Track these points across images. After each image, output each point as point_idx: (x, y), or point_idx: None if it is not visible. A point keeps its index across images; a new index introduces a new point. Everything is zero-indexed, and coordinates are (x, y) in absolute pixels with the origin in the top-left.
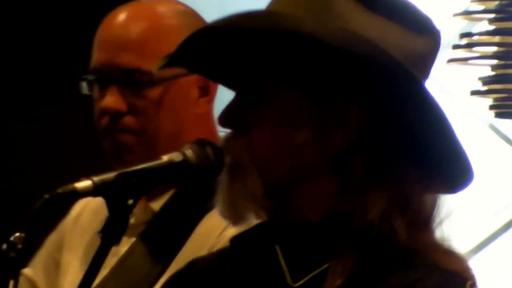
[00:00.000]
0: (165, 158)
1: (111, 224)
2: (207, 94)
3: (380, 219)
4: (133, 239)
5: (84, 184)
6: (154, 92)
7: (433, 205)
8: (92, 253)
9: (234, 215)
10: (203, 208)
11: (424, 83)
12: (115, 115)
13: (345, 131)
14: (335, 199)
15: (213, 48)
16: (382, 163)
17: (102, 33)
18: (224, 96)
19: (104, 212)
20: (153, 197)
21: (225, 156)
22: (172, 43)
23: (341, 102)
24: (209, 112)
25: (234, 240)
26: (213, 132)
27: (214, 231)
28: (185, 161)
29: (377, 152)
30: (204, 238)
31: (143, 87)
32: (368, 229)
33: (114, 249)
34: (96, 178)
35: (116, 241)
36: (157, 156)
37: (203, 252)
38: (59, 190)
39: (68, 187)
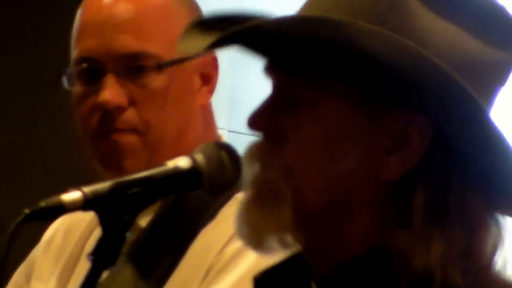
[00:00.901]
0: (170, 164)
1: (104, 244)
2: (208, 82)
3: (439, 265)
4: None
5: (72, 196)
6: (159, 80)
7: (495, 245)
8: (67, 282)
9: (257, 240)
10: (198, 221)
11: (491, 105)
12: (114, 112)
13: (402, 157)
14: (385, 235)
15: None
16: (449, 198)
17: (88, 16)
18: None
19: (78, 232)
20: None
21: (242, 166)
22: (174, 22)
23: (400, 120)
24: (210, 103)
25: (259, 280)
26: (215, 127)
27: (212, 248)
28: (195, 169)
29: (443, 186)
30: (202, 256)
31: (147, 74)
32: (423, 273)
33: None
34: (87, 189)
35: (110, 264)
36: (161, 159)
37: (201, 271)
38: (42, 204)
39: (53, 200)
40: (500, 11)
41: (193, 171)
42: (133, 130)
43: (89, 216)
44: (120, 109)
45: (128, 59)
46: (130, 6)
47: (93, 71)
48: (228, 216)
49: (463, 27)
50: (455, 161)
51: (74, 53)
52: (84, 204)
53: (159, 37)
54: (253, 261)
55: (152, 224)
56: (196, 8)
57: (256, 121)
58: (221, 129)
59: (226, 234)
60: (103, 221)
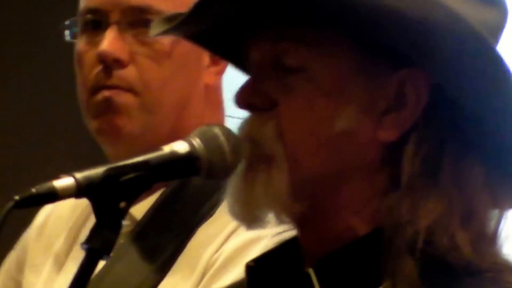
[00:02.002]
0: (166, 149)
1: (98, 233)
2: (218, 64)
3: (438, 229)
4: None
5: (64, 182)
6: (163, 44)
7: (500, 217)
8: (59, 271)
9: (249, 216)
10: (196, 214)
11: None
12: (112, 66)
13: (399, 116)
14: (382, 202)
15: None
16: (442, 160)
17: None
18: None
19: (72, 218)
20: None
21: (243, 148)
22: None
23: (397, 78)
24: (218, 87)
25: (252, 267)
26: (221, 114)
27: (211, 244)
28: (192, 154)
29: (437, 146)
30: (200, 251)
31: None
32: (425, 240)
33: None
34: (79, 175)
35: (105, 254)
36: (157, 126)
37: (201, 264)
38: (33, 191)
39: (45, 186)
40: None
41: (190, 156)
42: (130, 89)
43: (84, 201)
44: (120, 64)
45: (133, 11)
46: None
47: (97, 23)
48: (226, 212)
49: None
50: (454, 120)
51: (80, 6)
52: (77, 191)
53: None
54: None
55: (149, 216)
56: None
57: (243, 94)
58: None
59: (225, 231)
60: (97, 208)
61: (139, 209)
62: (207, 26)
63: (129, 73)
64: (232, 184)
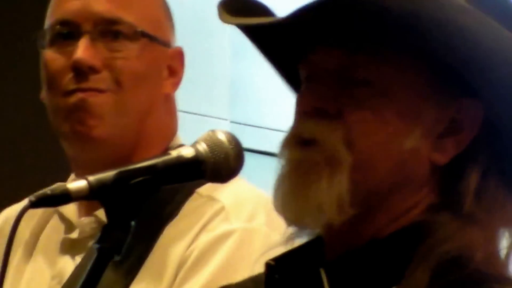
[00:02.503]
0: (173, 153)
1: (109, 233)
2: (175, 75)
3: (465, 251)
4: (78, 259)
5: (78, 185)
6: (132, 49)
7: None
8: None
9: (304, 216)
10: (161, 215)
11: None
12: (87, 72)
13: (454, 142)
14: (419, 216)
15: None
16: (486, 189)
17: None
18: None
19: (32, 223)
20: (99, 203)
21: (244, 157)
22: (151, 2)
23: (456, 105)
24: (174, 99)
25: (271, 266)
26: (176, 122)
27: (181, 241)
28: (197, 158)
29: (483, 174)
30: (171, 249)
31: (121, 41)
32: (462, 254)
33: (54, 270)
34: (91, 178)
35: (116, 253)
36: (123, 129)
37: (171, 264)
38: (48, 192)
39: (59, 188)
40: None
41: (196, 161)
42: (106, 90)
43: (39, 210)
44: (94, 71)
45: (104, 23)
46: None
47: (68, 35)
48: (193, 210)
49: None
50: (500, 153)
51: (50, 19)
52: (89, 193)
53: (137, 10)
54: (225, 255)
55: None
56: (168, 6)
57: (311, 98)
58: (223, 119)
59: (194, 228)
60: (108, 209)
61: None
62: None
63: (103, 77)
64: (288, 183)
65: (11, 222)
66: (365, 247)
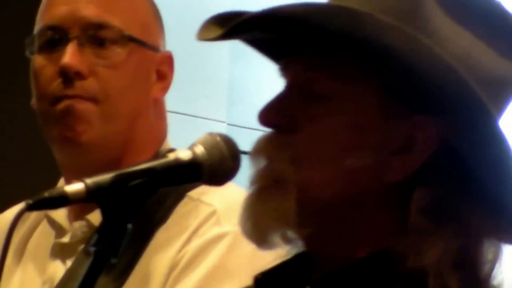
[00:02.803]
0: (171, 156)
1: (106, 236)
2: (163, 80)
3: (434, 267)
4: (69, 263)
5: (75, 187)
6: (119, 55)
7: (494, 260)
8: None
9: (259, 238)
10: (152, 218)
11: (500, 116)
12: (74, 78)
13: (406, 159)
14: (386, 237)
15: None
16: (446, 203)
17: None
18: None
19: (20, 231)
20: (89, 207)
21: (241, 159)
22: (139, 5)
23: (409, 122)
24: (163, 102)
25: (260, 279)
26: (166, 126)
27: (172, 245)
28: (195, 161)
29: (441, 189)
30: (162, 253)
31: (109, 47)
32: (418, 276)
33: (45, 275)
34: (89, 181)
35: (113, 256)
36: (112, 134)
37: (162, 268)
38: (45, 194)
39: (56, 190)
40: (509, 18)
41: (193, 163)
42: (91, 98)
43: (31, 214)
44: (80, 77)
45: (91, 28)
46: None
47: (56, 40)
48: (184, 214)
49: (477, 34)
50: (459, 169)
51: (39, 25)
52: (87, 195)
53: (124, 14)
54: (217, 258)
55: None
56: (158, 10)
57: (270, 113)
58: (220, 122)
59: (185, 232)
60: (105, 212)
61: (96, 216)
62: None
63: (90, 84)
64: (245, 201)
65: (3, 226)
66: (347, 268)
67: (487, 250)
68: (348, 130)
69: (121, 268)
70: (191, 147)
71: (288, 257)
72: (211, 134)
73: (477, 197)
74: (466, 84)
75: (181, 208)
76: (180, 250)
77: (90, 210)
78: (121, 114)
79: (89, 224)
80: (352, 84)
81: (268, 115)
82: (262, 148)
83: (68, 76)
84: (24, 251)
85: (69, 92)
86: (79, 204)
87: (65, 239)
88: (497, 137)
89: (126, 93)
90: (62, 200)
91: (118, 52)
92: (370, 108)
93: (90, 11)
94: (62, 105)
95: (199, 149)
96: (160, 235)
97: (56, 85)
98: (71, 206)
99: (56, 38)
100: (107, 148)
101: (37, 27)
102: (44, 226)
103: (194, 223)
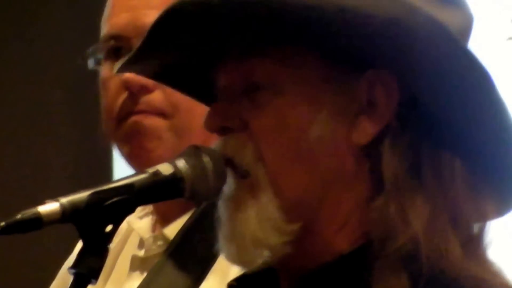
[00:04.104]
0: (150, 171)
1: (85, 257)
2: None
3: (428, 233)
4: (145, 275)
5: (49, 208)
6: None
7: (482, 219)
8: None
9: (247, 254)
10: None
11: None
12: (138, 93)
13: (371, 118)
14: (367, 211)
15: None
16: (421, 160)
17: None
18: None
19: (112, 246)
20: (166, 220)
21: (226, 175)
22: None
23: (364, 81)
24: None
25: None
26: None
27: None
28: (176, 175)
29: (414, 146)
30: (225, 273)
31: None
32: (413, 247)
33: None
34: (64, 200)
35: (93, 278)
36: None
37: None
38: (18, 216)
39: (30, 212)
40: None
41: (174, 178)
42: (159, 113)
43: (124, 223)
44: (146, 90)
45: None
46: None
47: (120, 49)
48: None
49: None
50: (427, 120)
51: (102, 33)
52: (62, 217)
53: None
54: None
55: (183, 234)
56: None
57: (214, 119)
58: None
59: None
60: (83, 233)
61: (171, 230)
62: (169, 60)
63: (156, 97)
64: (223, 222)
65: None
66: (326, 265)
67: (475, 206)
68: (297, 108)
69: (194, 278)
70: (172, 161)
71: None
72: (194, 146)
73: (453, 147)
74: (426, 17)
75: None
76: None
77: (165, 224)
78: (193, 129)
79: (164, 238)
80: (289, 63)
81: (214, 121)
82: (223, 152)
83: (132, 90)
84: (116, 260)
85: (135, 108)
86: (163, 210)
87: (141, 252)
88: (474, 63)
89: (196, 106)
90: (35, 222)
91: None
92: (314, 80)
93: (152, 18)
94: (129, 122)
95: (181, 163)
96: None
97: (121, 100)
98: (154, 215)
99: (119, 47)
100: None
101: (100, 35)
102: (134, 236)
103: None
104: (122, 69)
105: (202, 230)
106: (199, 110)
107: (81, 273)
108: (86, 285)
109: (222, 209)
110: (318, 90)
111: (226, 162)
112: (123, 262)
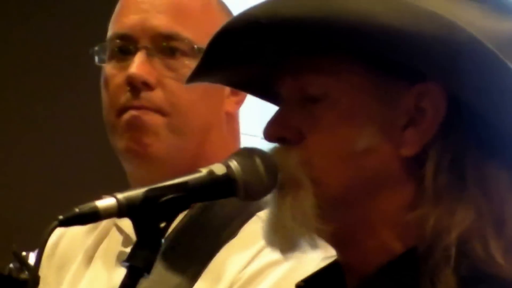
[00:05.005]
0: (204, 171)
1: (139, 251)
2: (237, 94)
3: (471, 239)
4: None
5: (106, 203)
6: (189, 67)
7: None
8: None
9: (284, 243)
10: (220, 235)
11: None
12: (141, 88)
13: (419, 130)
14: (411, 217)
15: (244, 47)
16: (466, 169)
17: None
18: None
19: (89, 240)
20: None
21: (278, 172)
22: (213, 17)
23: (412, 94)
24: (237, 116)
25: (302, 286)
26: (239, 139)
27: (235, 264)
28: (229, 176)
29: (459, 153)
30: (224, 271)
31: (178, 58)
32: (459, 251)
33: (111, 282)
34: (120, 196)
35: (146, 272)
36: (183, 148)
37: (225, 281)
38: (76, 210)
39: (88, 206)
40: None
41: (227, 178)
42: (158, 110)
43: (101, 223)
44: (148, 87)
45: (161, 38)
46: None
47: (126, 49)
48: (250, 233)
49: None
50: (473, 129)
51: (110, 33)
52: (118, 211)
53: (196, 25)
54: (274, 280)
55: (177, 232)
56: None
57: (271, 130)
58: (254, 136)
59: (249, 252)
60: (138, 227)
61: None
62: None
63: (156, 95)
64: (268, 212)
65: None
66: (383, 269)
67: None
68: (347, 120)
69: (188, 278)
70: (225, 162)
71: (328, 263)
72: (245, 148)
73: (496, 155)
74: (472, 38)
75: (249, 227)
76: (241, 271)
77: None
78: (191, 128)
79: None
80: (341, 76)
81: (272, 130)
82: (276, 160)
83: (135, 86)
84: (93, 256)
85: (135, 102)
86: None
87: (128, 249)
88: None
89: (195, 106)
90: (94, 216)
91: (187, 64)
92: (364, 92)
93: (160, 21)
94: (127, 116)
95: (234, 164)
96: (227, 251)
97: (123, 95)
98: None
99: (125, 47)
100: (175, 162)
101: (108, 35)
102: (114, 232)
103: (258, 244)
104: (191, 80)
105: (196, 231)
106: (197, 111)
107: (135, 266)
108: (139, 278)
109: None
110: (368, 102)
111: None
112: (106, 255)
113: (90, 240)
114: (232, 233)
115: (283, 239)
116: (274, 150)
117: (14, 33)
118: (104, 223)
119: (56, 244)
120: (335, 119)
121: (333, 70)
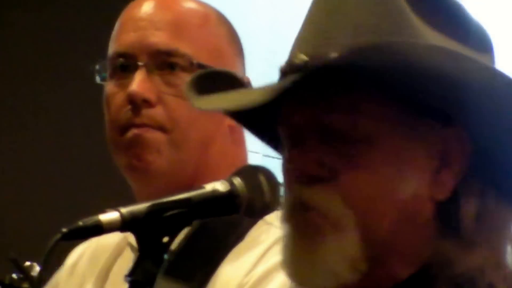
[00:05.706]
0: (208, 187)
1: (141, 265)
2: None
3: (484, 267)
4: None
5: (110, 217)
6: None
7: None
8: None
9: (328, 284)
10: (227, 241)
11: None
12: (141, 106)
13: (450, 174)
14: (428, 248)
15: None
16: (485, 212)
17: (131, 13)
18: None
19: (105, 256)
20: None
21: (280, 191)
22: (212, 32)
23: (443, 137)
24: (241, 129)
25: None
26: (245, 150)
27: (242, 268)
28: (233, 193)
29: (483, 193)
30: (231, 276)
31: (177, 73)
32: (470, 278)
33: None
34: (124, 210)
35: (148, 286)
36: (183, 162)
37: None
38: (80, 223)
39: (91, 220)
40: (468, 17)
41: (231, 195)
42: (159, 127)
43: (116, 239)
44: (148, 104)
45: (161, 55)
46: (171, 9)
47: (126, 66)
48: (256, 237)
49: (450, 36)
50: (493, 173)
51: (110, 51)
52: (122, 225)
53: (195, 41)
54: (281, 282)
55: (184, 241)
56: (235, 33)
57: (297, 164)
58: (255, 153)
59: (255, 255)
60: (141, 242)
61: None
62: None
63: (157, 112)
64: (294, 247)
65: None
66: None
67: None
68: (390, 164)
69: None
70: (228, 179)
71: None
72: (249, 165)
73: (506, 201)
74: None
75: (255, 231)
76: (247, 274)
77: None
78: (191, 142)
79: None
80: (377, 116)
81: (297, 166)
82: (311, 198)
83: (136, 103)
84: (108, 276)
85: (137, 120)
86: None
87: None
88: None
89: (196, 121)
90: (97, 229)
91: (187, 79)
92: (404, 135)
93: (158, 38)
94: (130, 134)
95: (237, 181)
96: (232, 256)
97: (124, 113)
98: None
99: (126, 64)
100: (177, 175)
101: (108, 53)
102: (128, 252)
103: (263, 247)
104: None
105: (202, 238)
106: (198, 126)
107: (137, 280)
108: None
109: (290, 235)
110: (408, 146)
111: (308, 207)
112: (119, 275)
113: (102, 261)
114: (238, 238)
115: (327, 281)
116: (309, 190)
117: (15, 33)
118: (117, 241)
119: (75, 264)
120: (375, 160)
121: (368, 109)
